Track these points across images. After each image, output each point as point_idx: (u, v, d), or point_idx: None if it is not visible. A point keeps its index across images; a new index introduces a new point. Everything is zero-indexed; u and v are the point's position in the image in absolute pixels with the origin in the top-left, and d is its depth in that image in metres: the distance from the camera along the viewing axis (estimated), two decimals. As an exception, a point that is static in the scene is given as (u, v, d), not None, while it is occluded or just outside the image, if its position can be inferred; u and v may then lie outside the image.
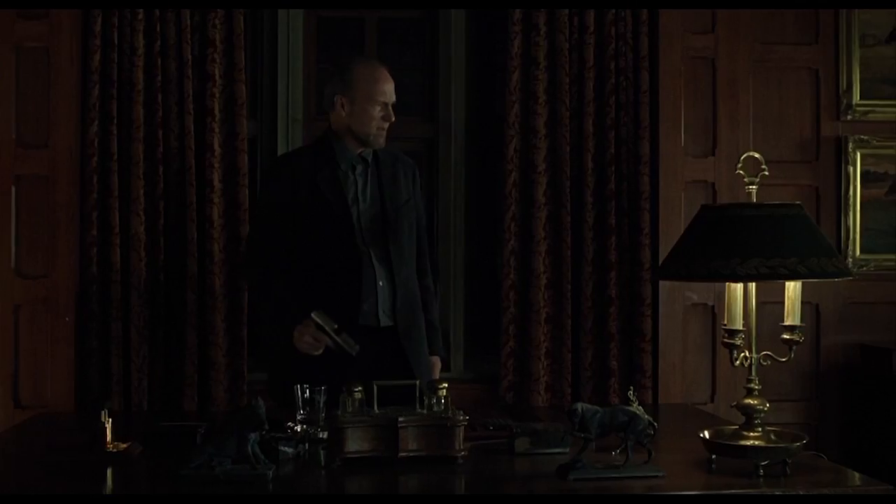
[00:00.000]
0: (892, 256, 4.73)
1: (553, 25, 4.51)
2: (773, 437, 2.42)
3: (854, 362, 4.68)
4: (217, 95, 4.37)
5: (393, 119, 3.38)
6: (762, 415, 2.41)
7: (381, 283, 3.36)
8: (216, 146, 4.36)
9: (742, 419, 2.49)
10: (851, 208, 4.69)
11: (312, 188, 3.34)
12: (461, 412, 2.63)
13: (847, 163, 4.69)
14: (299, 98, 4.72)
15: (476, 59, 4.87)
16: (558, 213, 4.52)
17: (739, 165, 2.45)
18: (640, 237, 4.51)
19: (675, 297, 4.56)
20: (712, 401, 4.61)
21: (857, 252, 4.69)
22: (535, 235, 4.50)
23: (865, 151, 4.71)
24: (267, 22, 4.73)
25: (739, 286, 2.40)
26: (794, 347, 2.39)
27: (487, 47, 4.90)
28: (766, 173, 2.46)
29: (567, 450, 2.72)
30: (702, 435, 2.48)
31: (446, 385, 2.67)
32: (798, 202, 2.42)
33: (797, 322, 2.38)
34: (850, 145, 4.69)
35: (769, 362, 2.41)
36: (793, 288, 2.37)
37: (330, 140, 3.42)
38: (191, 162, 4.34)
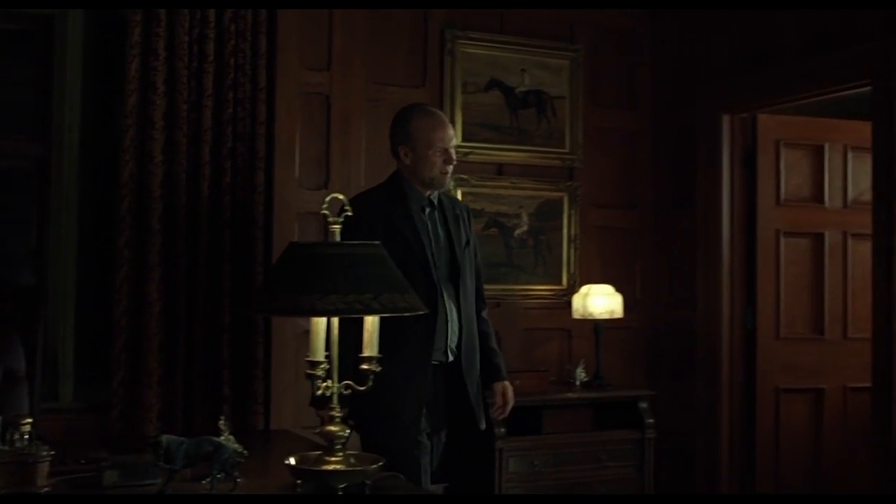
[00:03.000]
0: (489, 287, 5.13)
1: (172, 51, 4.51)
2: (352, 461, 2.58)
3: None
4: None
5: (454, 161, 3.59)
6: (343, 441, 2.56)
7: (451, 321, 3.51)
8: None
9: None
10: (453, 241, 5.06)
11: (389, 226, 3.45)
12: (46, 447, 2.57)
13: (449, 199, 5.06)
14: None
15: (93, 81, 4.74)
16: (173, 238, 4.51)
17: (325, 205, 2.59)
18: (253, 266, 4.60)
19: (287, 325, 4.68)
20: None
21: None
22: (149, 261, 4.45)
23: (465, 189, 5.11)
24: None
25: (323, 320, 2.54)
26: (372, 376, 2.56)
27: (104, 75, 4.77)
28: (350, 214, 2.62)
29: (157, 481, 2.74)
30: (287, 461, 2.59)
31: (30, 420, 2.60)
32: (377, 242, 2.61)
33: (376, 353, 2.56)
34: (453, 183, 5.06)
35: (350, 391, 2.57)
36: (371, 322, 2.55)
37: (400, 182, 3.58)
38: None
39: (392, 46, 5.05)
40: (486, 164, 5.20)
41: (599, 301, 5.05)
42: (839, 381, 5.26)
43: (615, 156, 5.52)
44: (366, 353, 2.57)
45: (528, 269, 5.27)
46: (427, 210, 3.57)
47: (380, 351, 2.58)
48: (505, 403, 3.80)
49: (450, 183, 3.66)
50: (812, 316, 5.27)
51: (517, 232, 5.24)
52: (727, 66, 5.19)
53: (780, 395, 5.19)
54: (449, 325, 3.49)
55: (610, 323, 5.14)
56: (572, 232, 5.33)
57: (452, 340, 3.51)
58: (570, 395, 5.00)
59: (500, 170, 5.25)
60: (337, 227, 2.57)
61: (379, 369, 2.57)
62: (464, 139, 5.10)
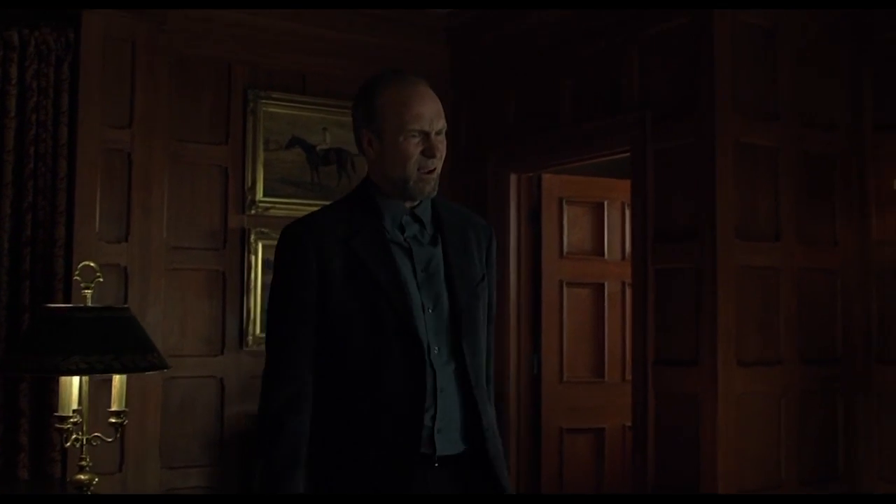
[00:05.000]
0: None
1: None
2: (102, 508, 2.78)
3: (252, 429, 5.24)
4: None
5: (441, 154, 2.35)
6: (91, 488, 2.76)
7: (442, 391, 2.30)
8: None
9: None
10: (253, 291, 5.29)
11: (347, 259, 2.29)
12: None
13: (250, 252, 5.30)
14: None
15: None
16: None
17: (77, 272, 2.80)
18: (50, 317, 4.72)
19: (84, 373, 4.81)
20: (120, 470, 4.90)
21: (258, 331, 5.29)
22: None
23: (266, 242, 5.35)
24: None
25: (73, 378, 2.75)
26: (121, 428, 2.78)
27: None
28: (101, 279, 2.84)
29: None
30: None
31: None
32: (126, 306, 2.84)
33: (122, 408, 2.78)
34: (253, 236, 5.30)
35: (98, 443, 2.78)
36: (118, 379, 2.77)
37: (367, 191, 2.40)
38: None
39: (196, 105, 5.27)
40: (288, 218, 5.38)
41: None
42: (619, 420, 5.67)
43: (415, 210, 5.83)
44: (114, 408, 2.78)
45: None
46: (410, 228, 2.38)
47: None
48: None
49: (434, 187, 2.36)
50: (593, 360, 5.69)
51: (317, 282, 5.47)
52: (516, 130, 5.60)
53: (564, 435, 5.57)
54: (439, 401, 2.29)
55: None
56: (371, 282, 5.60)
57: (443, 419, 2.29)
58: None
59: (302, 223, 5.49)
60: (89, 291, 2.78)
61: (126, 422, 2.79)
62: (265, 194, 5.35)
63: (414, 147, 2.29)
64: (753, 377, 4.46)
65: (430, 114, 2.31)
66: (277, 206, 5.40)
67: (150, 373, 4.58)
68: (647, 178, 4.71)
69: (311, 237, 2.29)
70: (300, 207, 5.43)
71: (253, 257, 5.29)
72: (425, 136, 2.30)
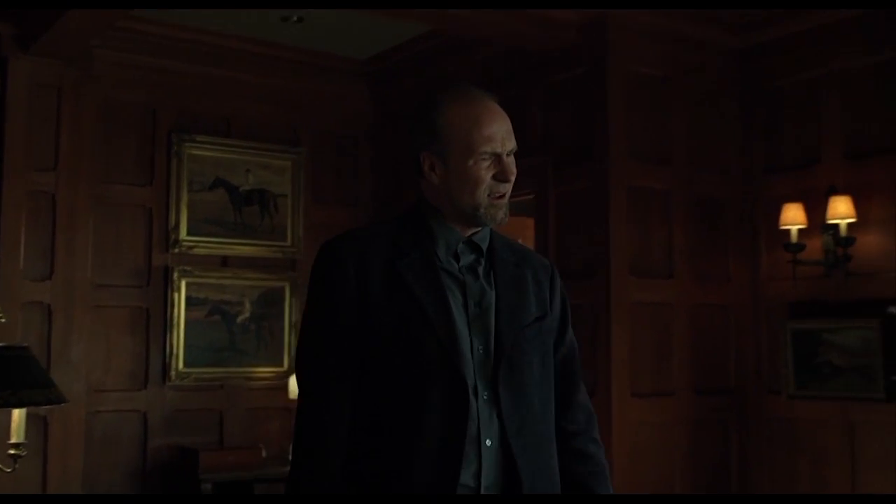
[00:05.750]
0: (211, 370, 5.58)
1: None
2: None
3: (174, 461, 5.41)
4: None
5: (512, 177, 2.05)
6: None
7: (487, 443, 1.99)
8: None
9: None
10: (176, 328, 5.48)
11: (390, 282, 2.02)
12: None
13: (173, 289, 5.48)
14: None
15: None
16: None
17: (-13, 312, 2.99)
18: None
19: None
20: (43, 502, 5.06)
21: (181, 366, 5.47)
22: None
23: (189, 280, 5.54)
24: None
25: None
26: (19, 459, 2.96)
27: None
28: (4, 320, 3.03)
29: None
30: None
31: None
32: (25, 345, 3.02)
33: (21, 440, 2.96)
34: (176, 274, 5.49)
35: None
36: (17, 413, 2.96)
37: (421, 215, 2.12)
38: None
39: (121, 147, 5.47)
40: (211, 256, 5.65)
41: (313, 382, 5.52)
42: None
43: (337, 248, 6.04)
44: (13, 440, 2.96)
45: (251, 352, 5.72)
46: (466, 258, 2.11)
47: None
48: None
49: (506, 214, 2.09)
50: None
51: (240, 318, 5.69)
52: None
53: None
54: (483, 449, 1.98)
55: (323, 402, 5.61)
56: (294, 318, 5.82)
57: (492, 475, 1.98)
58: (283, 469, 5.44)
59: (225, 261, 5.71)
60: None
61: (24, 453, 2.96)
62: (188, 233, 5.55)
63: (485, 171, 2.03)
64: (648, 408, 4.71)
65: (502, 133, 2.06)
66: (201, 244, 5.59)
67: (73, 408, 4.81)
68: (549, 219, 4.98)
69: (353, 254, 2.01)
70: (223, 246, 5.66)
71: (176, 294, 5.47)
72: (497, 158, 2.04)
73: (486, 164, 2.01)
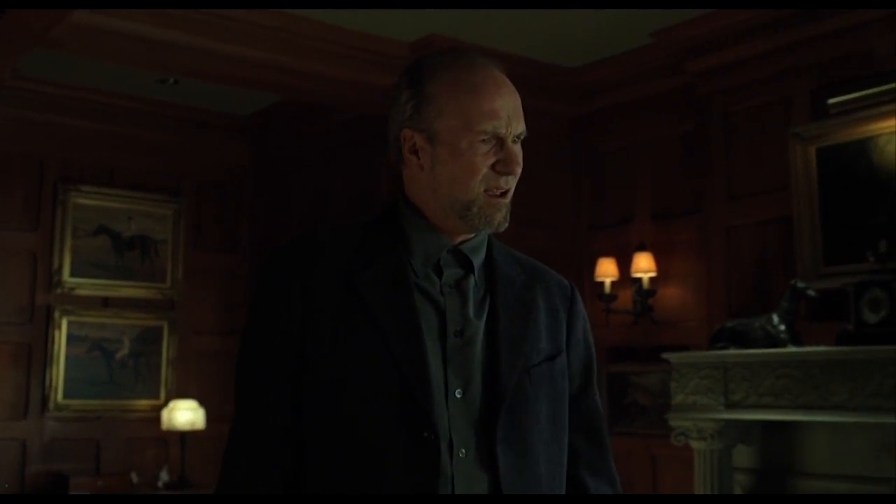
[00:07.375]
0: (90, 401, 6.00)
1: None
2: None
3: (49, 487, 5.82)
4: None
5: (519, 169, 1.58)
6: None
7: None
8: None
9: None
10: (56, 362, 5.90)
11: (348, 301, 1.54)
12: None
13: (54, 327, 5.92)
14: None
15: None
16: None
17: None
18: None
19: None
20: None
21: (60, 398, 5.89)
22: None
23: (71, 318, 5.97)
24: None
25: None
26: None
27: None
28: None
29: None
30: None
31: None
32: None
33: None
34: (58, 313, 5.93)
35: None
36: None
37: (396, 215, 1.64)
38: None
39: (8, 196, 5.91)
40: (93, 297, 6.09)
41: (183, 415, 5.96)
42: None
43: (216, 291, 6.51)
44: None
45: (129, 386, 6.15)
46: (450, 271, 1.60)
47: None
48: None
49: (506, 217, 1.59)
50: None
51: (119, 355, 6.12)
52: (305, 212, 6.33)
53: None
54: None
55: (194, 434, 6.04)
56: (171, 354, 6.25)
57: None
58: (155, 493, 5.87)
59: (106, 302, 6.15)
60: None
61: None
62: (71, 275, 5.99)
63: (482, 157, 1.55)
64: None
65: (508, 110, 1.57)
66: (83, 286, 6.03)
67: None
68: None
69: (302, 266, 1.54)
70: (105, 288, 6.10)
71: (57, 331, 5.91)
72: (500, 142, 1.56)
73: (485, 148, 1.54)
